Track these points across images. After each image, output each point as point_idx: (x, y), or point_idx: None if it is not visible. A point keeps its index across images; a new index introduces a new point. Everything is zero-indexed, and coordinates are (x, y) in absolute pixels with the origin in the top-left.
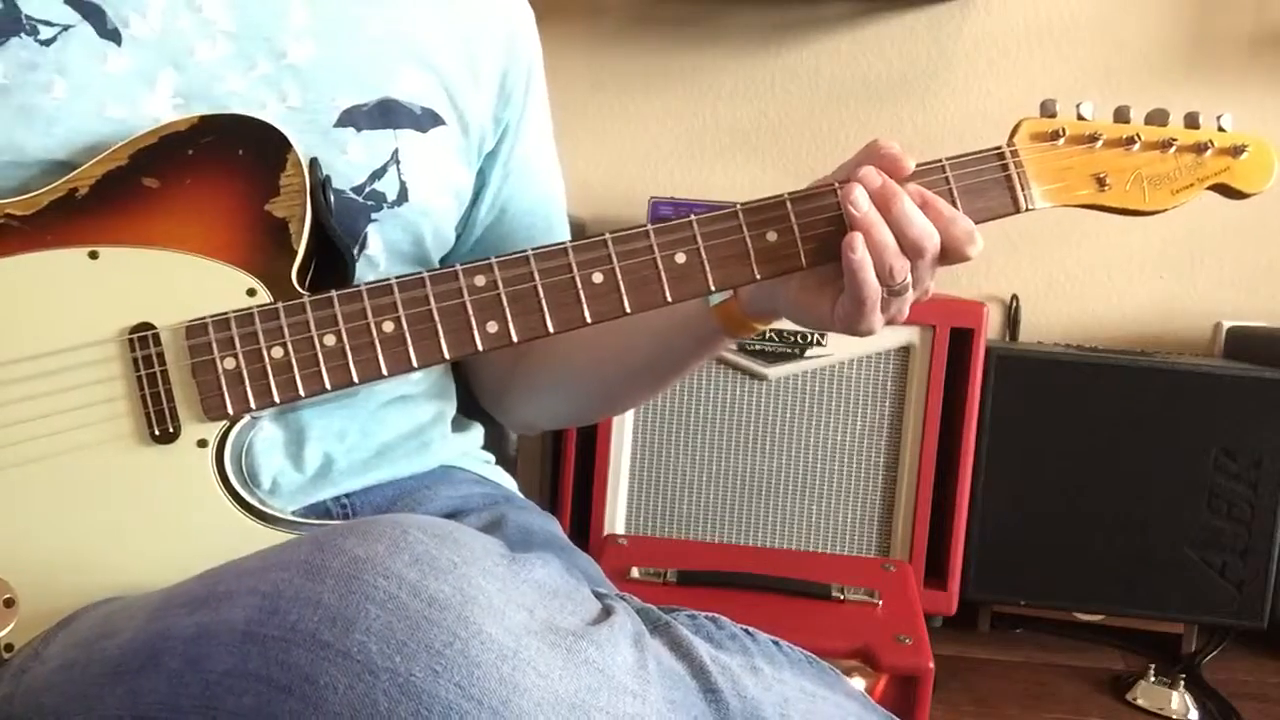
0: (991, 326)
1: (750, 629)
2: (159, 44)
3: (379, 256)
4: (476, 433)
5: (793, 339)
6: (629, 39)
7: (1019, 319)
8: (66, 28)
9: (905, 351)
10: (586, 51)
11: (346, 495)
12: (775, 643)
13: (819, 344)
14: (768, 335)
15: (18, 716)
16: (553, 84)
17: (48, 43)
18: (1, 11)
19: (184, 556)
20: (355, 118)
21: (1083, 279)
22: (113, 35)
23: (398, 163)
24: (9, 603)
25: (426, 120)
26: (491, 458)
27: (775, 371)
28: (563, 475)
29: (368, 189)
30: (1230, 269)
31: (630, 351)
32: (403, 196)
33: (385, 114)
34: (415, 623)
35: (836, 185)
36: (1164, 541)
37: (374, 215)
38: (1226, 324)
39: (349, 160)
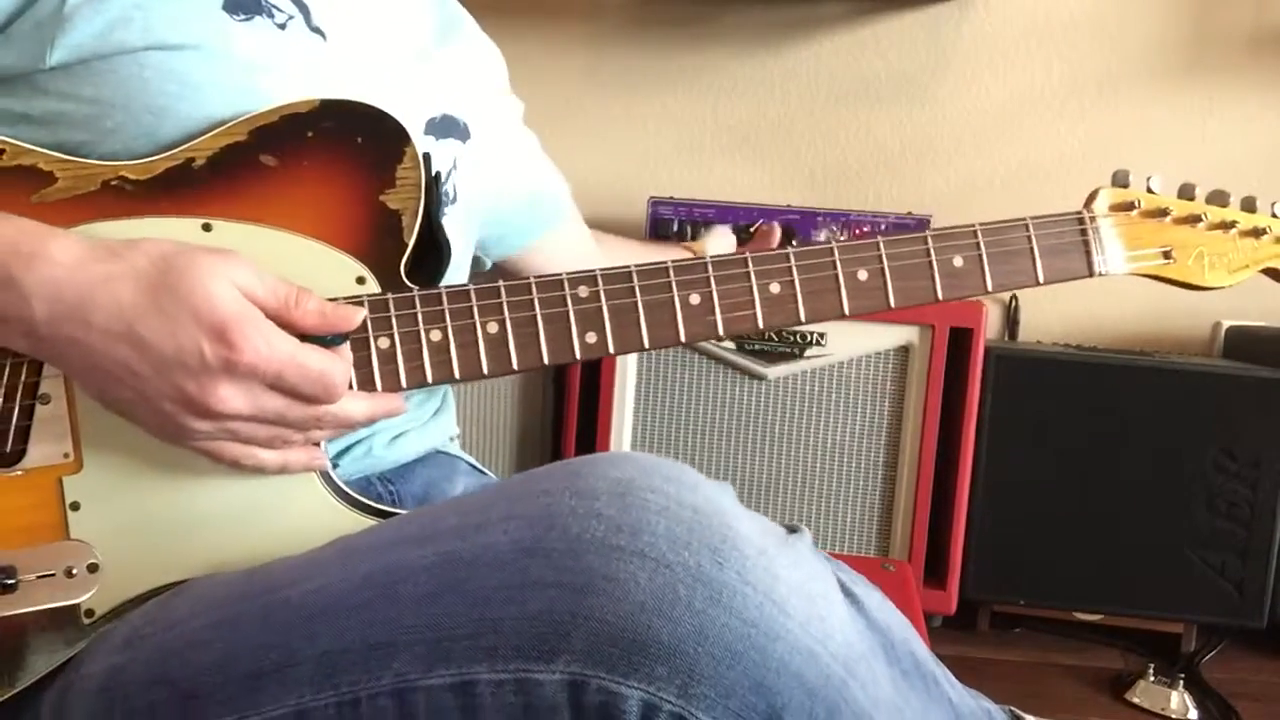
0: (991, 326)
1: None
2: (341, 44)
3: None
4: (452, 414)
5: (792, 339)
6: (629, 39)
7: (1018, 318)
8: (291, 17)
9: (904, 351)
10: (586, 51)
11: (390, 479)
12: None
13: (818, 344)
14: (767, 335)
15: (143, 682)
16: (553, 84)
17: (283, 27)
18: None
19: (275, 533)
20: (432, 127)
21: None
22: (318, 31)
23: (455, 169)
24: (93, 568)
25: (465, 133)
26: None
27: (775, 371)
28: None
29: (441, 190)
30: None
31: None
32: (455, 199)
33: (446, 126)
34: (690, 526)
35: (928, 234)
36: (1164, 541)
37: (445, 211)
38: (1225, 324)
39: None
